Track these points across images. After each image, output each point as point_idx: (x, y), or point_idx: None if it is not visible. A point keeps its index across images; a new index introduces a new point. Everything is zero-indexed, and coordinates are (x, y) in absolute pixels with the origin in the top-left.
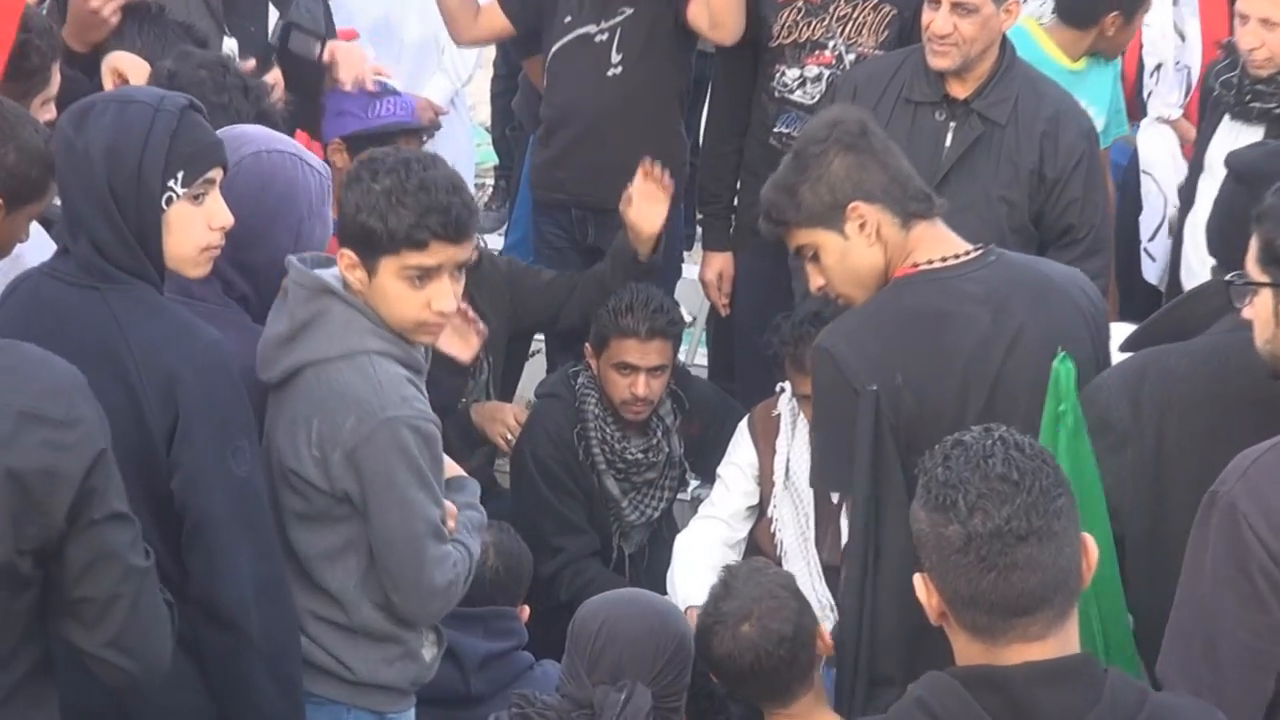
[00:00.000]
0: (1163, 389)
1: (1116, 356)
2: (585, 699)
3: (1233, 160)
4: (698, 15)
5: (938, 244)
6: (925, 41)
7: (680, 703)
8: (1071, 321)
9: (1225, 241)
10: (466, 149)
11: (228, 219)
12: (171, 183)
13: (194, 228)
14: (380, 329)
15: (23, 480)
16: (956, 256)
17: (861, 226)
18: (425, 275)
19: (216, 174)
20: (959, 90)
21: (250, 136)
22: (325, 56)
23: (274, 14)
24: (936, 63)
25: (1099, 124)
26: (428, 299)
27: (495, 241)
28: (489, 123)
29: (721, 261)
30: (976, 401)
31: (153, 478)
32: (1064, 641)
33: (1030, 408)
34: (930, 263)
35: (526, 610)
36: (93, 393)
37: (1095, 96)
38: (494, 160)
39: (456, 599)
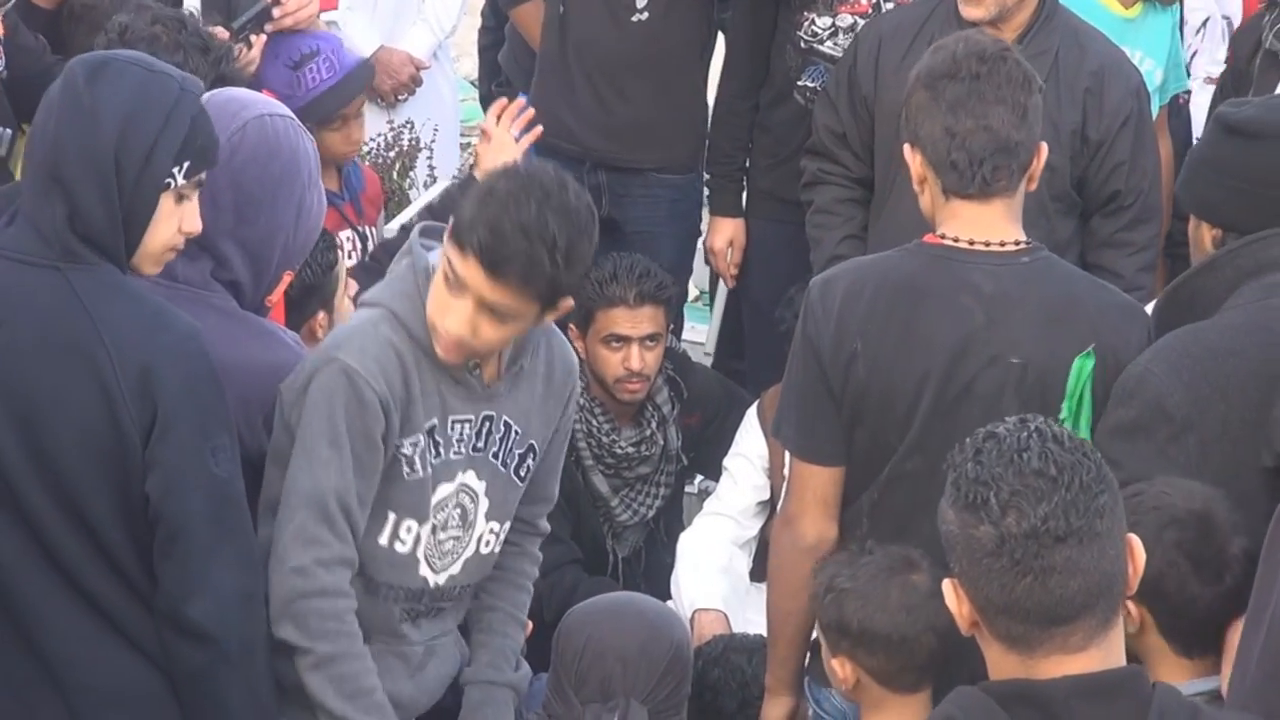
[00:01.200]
0: (1215, 367)
1: None
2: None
3: (1229, 114)
4: None
5: (976, 224)
6: None
7: (680, 717)
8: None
9: (1205, 195)
10: (451, 106)
11: (197, 226)
12: (176, 170)
13: (170, 224)
14: (418, 310)
15: None
16: (987, 244)
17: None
18: (456, 284)
19: (205, 176)
20: None
21: (246, 100)
22: None
23: None
24: (970, 12)
25: (1156, 77)
26: (445, 308)
27: None
28: (474, 77)
29: (732, 228)
30: (930, 401)
31: (126, 481)
32: (1108, 653)
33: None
34: (956, 240)
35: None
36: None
37: (1152, 47)
38: (480, 117)
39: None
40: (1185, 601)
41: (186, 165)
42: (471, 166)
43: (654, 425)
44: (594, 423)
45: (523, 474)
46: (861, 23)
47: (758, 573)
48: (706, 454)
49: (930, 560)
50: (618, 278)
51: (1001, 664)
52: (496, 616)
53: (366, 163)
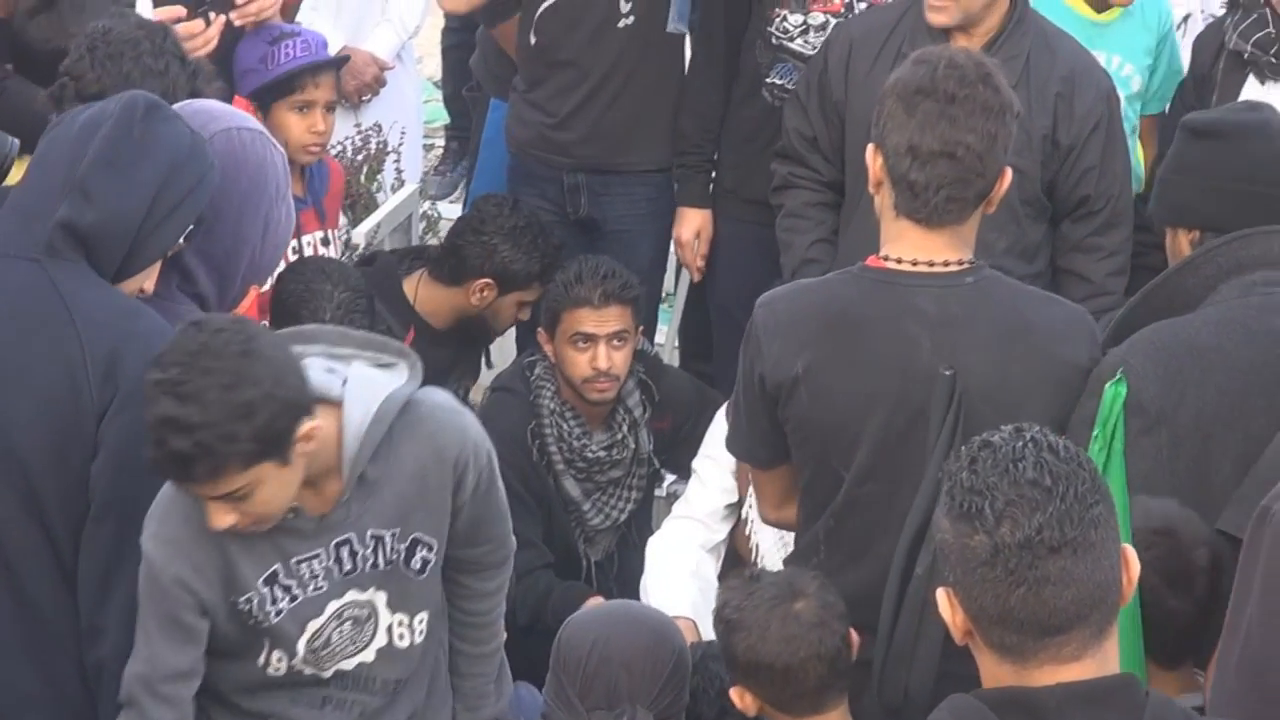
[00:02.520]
0: (1195, 362)
1: None
2: None
3: (1195, 120)
4: None
5: (920, 246)
6: None
7: None
8: (1033, 378)
9: (1180, 200)
10: (414, 107)
11: (151, 289)
12: (190, 229)
13: (144, 278)
14: None
15: None
16: (930, 264)
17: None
18: None
19: None
20: (965, 45)
21: (215, 112)
22: None
23: None
24: (935, 19)
25: (1134, 83)
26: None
27: (450, 210)
28: (438, 77)
29: (699, 219)
30: (878, 427)
31: (76, 460)
32: (1102, 663)
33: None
34: (898, 261)
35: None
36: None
37: (1130, 51)
38: (444, 119)
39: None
40: (1163, 616)
41: (190, 229)
42: None
43: (625, 428)
44: (565, 426)
45: (418, 564)
46: (834, 21)
47: (725, 576)
48: (678, 456)
49: (819, 585)
50: (582, 278)
51: (995, 673)
52: (461, 659)
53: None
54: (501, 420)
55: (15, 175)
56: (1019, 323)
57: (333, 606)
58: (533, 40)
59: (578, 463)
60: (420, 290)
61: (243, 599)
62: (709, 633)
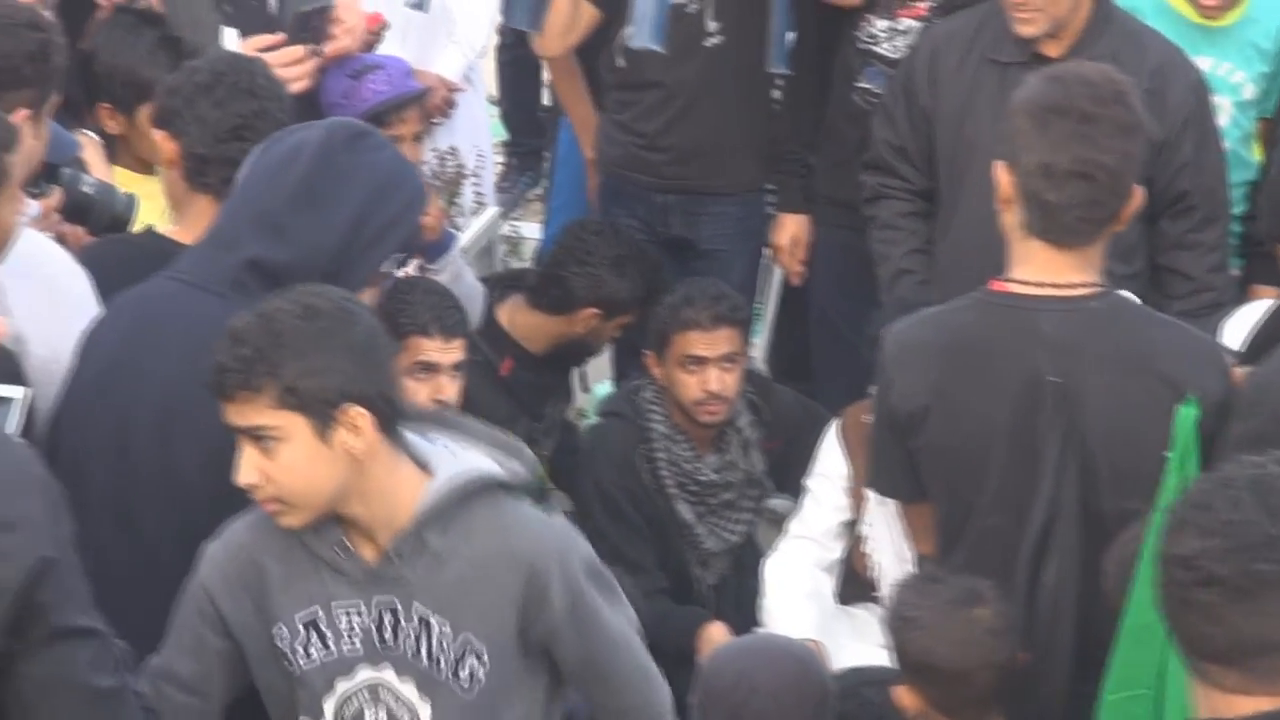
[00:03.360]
0: None
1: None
2: None
3: None
4: None
5: (1048, 268)
6: (1007, 9)
7: None
8: (1157, 406)
9: None
10: (484, 127)
11: None
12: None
13: None
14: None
15: None
16: (1056, 286)
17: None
18: None
19: None
20: (1051, 49)
21: None
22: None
23: None
24: (1024, 30)
25: (1246, 90)
26: None
27: (531, 229)
28: (494, 94)
29: (796, 225)
30: (1003, 455)
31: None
32: None
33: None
34: (1023, 284)
35: None
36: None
37: (1244, 59)
38: (502, 134)
39: None
40: None
41: (400, 258)
42: None
43: (737, 450)
44: (676, 450)
45: (466, 677)
46: (918, 26)
47: (843, 595)
48: (789, 475)
49: (999, 595)
50: (692, 301)
51: (1207, 702)
52: None
53: None
54: (611, 444)
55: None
56: (1144, 349)
57: (365, 675)
58: (620, 63)
59: (690, 486)
60: (518, 318)
61: (275, 627)
62: (832, 651)
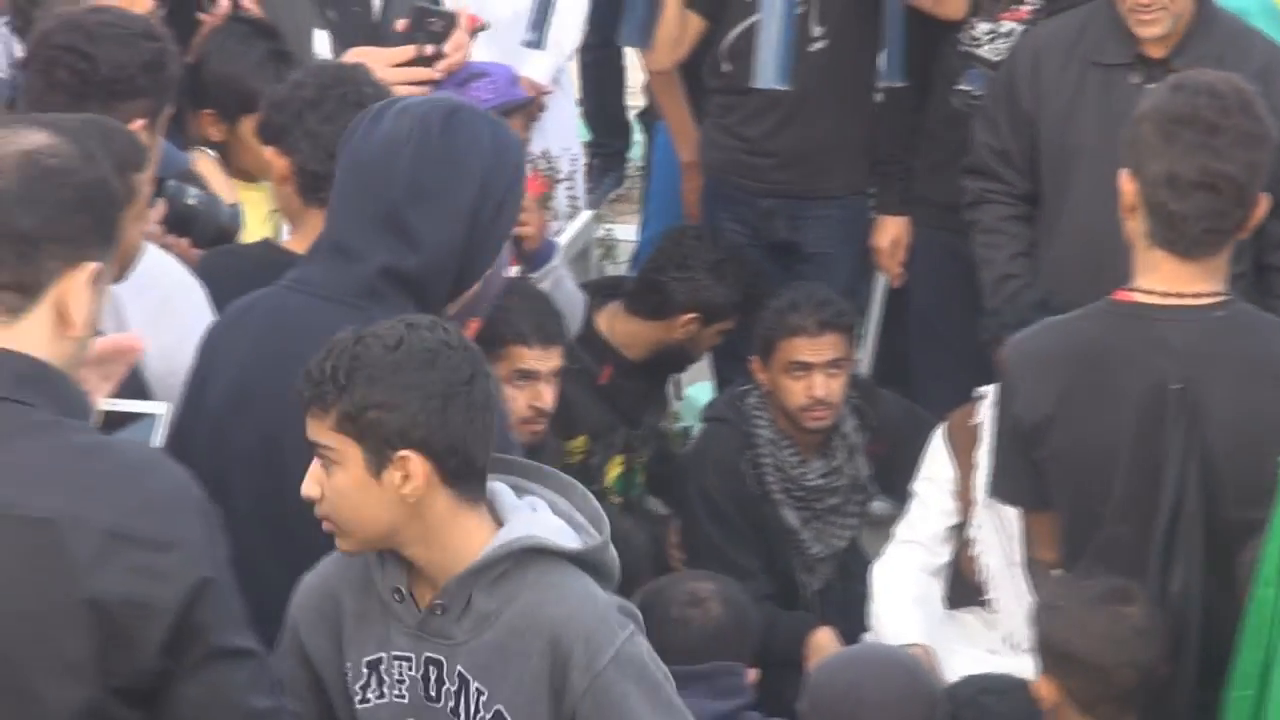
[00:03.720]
0: None
1: None
2: None
3: None
4: None
5: (1174, 279)
6: (1126, 12)
7: None
8: (1275, 418)
9: None
10: (573, 129)
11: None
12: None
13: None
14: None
15: (107, 611)
16: (1181, 296)
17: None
18: None
19: None
20: (1155, 50)
21: None
22: None
23: None
24: (1147, 31)
25: None
26: None
27: (625, 232)
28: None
29: (897, 226)
30: (1128, 463)
31: None
32: None
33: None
34: (1148, 293)
35: (753, 673)
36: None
37: None
38: (586, 135)
39: None
40: None
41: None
42: None
43: (842, 455)
44: (781, 455)
45: None
46: (1020, 29)
47: (951, 600)
48: (894, 480)
49: (1148, 598)
50: (797, 306)
51: None
52: None
53: None
54: (716, 450)
55: None
56: (1270, 358)
57: None
58: (725, 68)
59: (795, 491)
60: (616, 324)
61: (347, 665)
62: (942, 657)
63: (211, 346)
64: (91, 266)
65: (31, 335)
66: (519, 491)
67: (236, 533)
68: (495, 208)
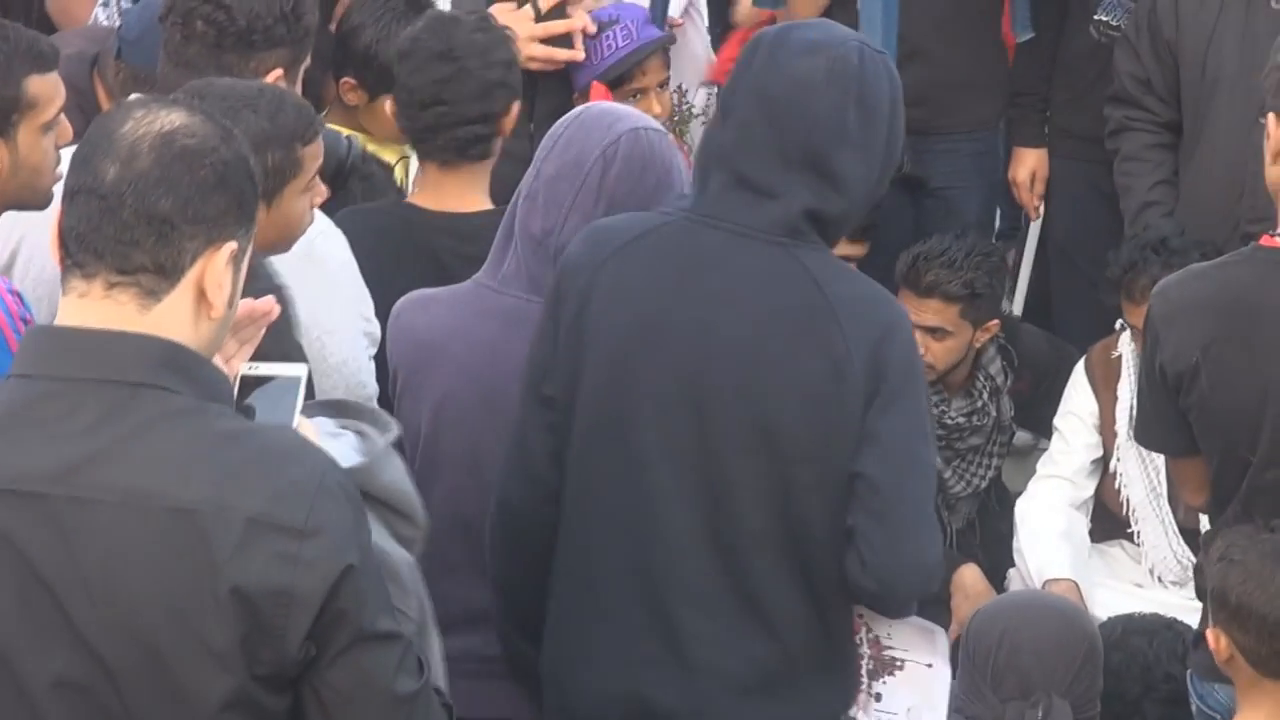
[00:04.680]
0: None
1: None
2: (994, 717)
3: None
4: None
5: None
6: None
7: (1095, 711)
8: None
9: None
10: (705, 61)
11: None
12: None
13: None
14: None
15: (251, 600)
16: None
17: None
18: None
19: None
20: None
21: (620, 113)
22: None
23: None
24: None
25: None
26: None
27: None
28: None
29: (1035, 159)
30: (1276, 409)
31: (835, 458)
32: None
33: None
34: None
35: None
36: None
37: None
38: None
39: None
40: None
41: None
42: None
43: (986, 395)
44: None
45: None
46: None
47: (1096, 533)
48: (1038, 414)
49: None
50: (918, 260)
51: None
52: None
53: None
54: None
55: None
56: None
57: None
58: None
59: (938, 430)
60: None
61: None
62: (1088, 591)
63: (588, 278)
64: (231, 246)
65: (171, 318)
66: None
67: (639, 475)
68: (897, 145)
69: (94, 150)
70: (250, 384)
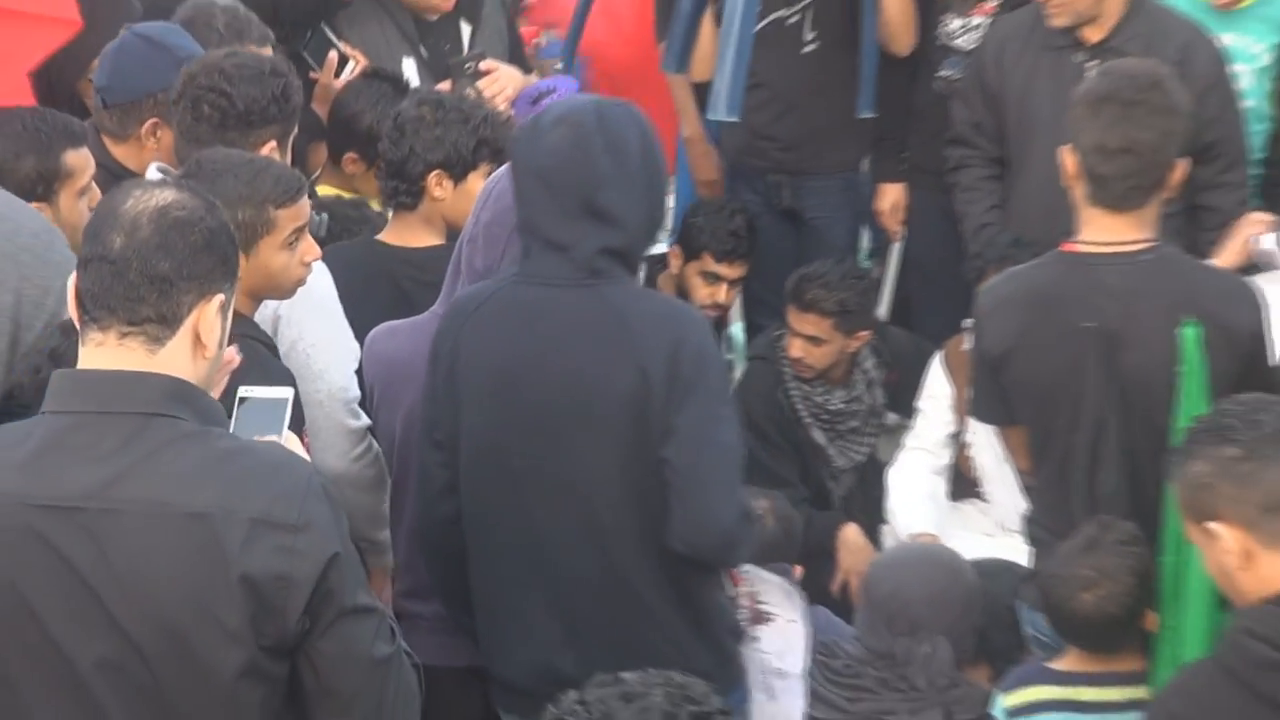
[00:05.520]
0: None
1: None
2: (887, 650)
3: None
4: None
5: (1108, 230)
6: (1042, 4)
7: (971, 645)
8: (1203, 340)
9: None
10: None
11: None
12: None
13: None
14: None
15: (257, 585)
16: (1114, 244)
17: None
18: None
19: None
20: (1092, 35)
21: None
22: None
23: (467, 29)
24: (1054, 22)
25: (1265, 58)
26: None
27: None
28: None
29: (895, 192)
30: (1077, 387)
31: (650, 447)
32: None
33: (1149, 406)
34: (1089, 244)
35: (799, 569)
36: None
37: (1260, 33)
38: None
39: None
40: None
41: None
42: None
43: (862, 387)
44: (808, 387)
45: None
46: (988, 21)
47: (953, 493)
48: (904, 400)
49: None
50: (800, 281)
51: (1275, 574)
52: None
53: None
54: (757, 384)
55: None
56: (1190, 292)
57: None
58: None
59: (822, 416)
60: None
61: None
62: (947, 542)
63: (453, 341)
64: (220, 297)
65: (174, 359)
66: None
67: (518, 492)
68: (658, 171)
69: (102, 225)
70: (247, 403)
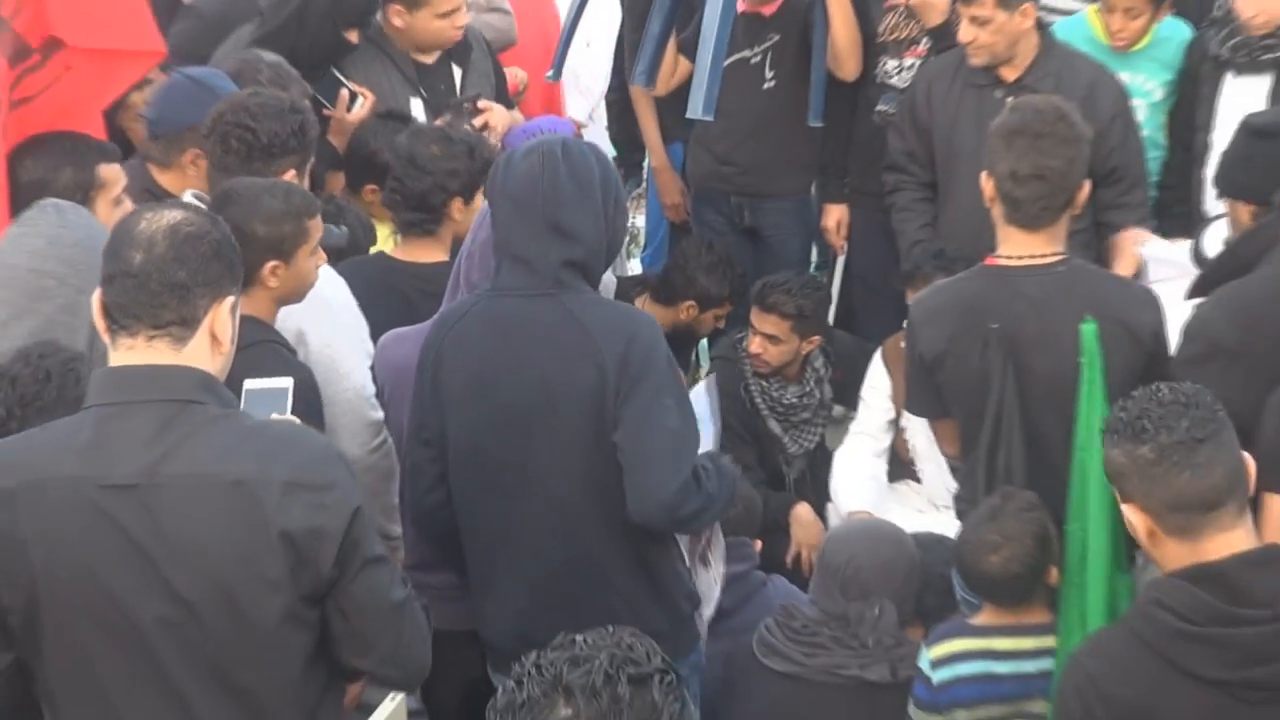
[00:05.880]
0: (1257, 310)
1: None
2: (840, 612)
3: (1253, 121)
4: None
5: (1025, 245)
6: (963, 46)
7: (912, 608)
8: (1110, 340)
9: (1241, 182)
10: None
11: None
12: None
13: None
14: None
15: (294, 540)
16: (1033, 258)
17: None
18: None
19: None
20: (1008, 74)
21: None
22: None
23: (458, 72)
24: (973, 62)
25: (1158, 93)
26: None
27: (639, 221)
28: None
29: (839, 212)
30: (998, 384)
31: (606, 435)
32: (1249, 532)
33: (1061, 397)
34: (1008, 259)
35: (758, 544)
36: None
37: (1153, 71)
38: (613, 153)
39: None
40: None
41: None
42: None
43: (813, 383)
44: (766, 383)
45: None
46: (919, 62)
47: (891, 474)
48: (848, 393)
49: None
50: (764, 286)
51: (1177, 555)
52: None
53: None
54: (721, 380)
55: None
56: (1099, 299)
57: None
58: None
59: (778, 408)
60: (645, 306)
61: None
62: (883, 516)
63: (436, 351)
64: (230, 299)
65: (195, 355)
66: None
67: (497, 482)
68: (615, 201)
69: (121, 244)
70: (253, 393)
